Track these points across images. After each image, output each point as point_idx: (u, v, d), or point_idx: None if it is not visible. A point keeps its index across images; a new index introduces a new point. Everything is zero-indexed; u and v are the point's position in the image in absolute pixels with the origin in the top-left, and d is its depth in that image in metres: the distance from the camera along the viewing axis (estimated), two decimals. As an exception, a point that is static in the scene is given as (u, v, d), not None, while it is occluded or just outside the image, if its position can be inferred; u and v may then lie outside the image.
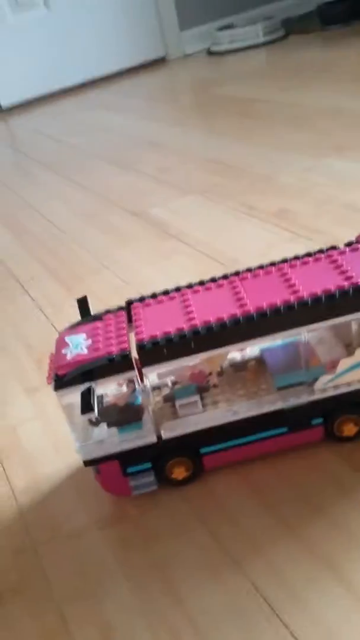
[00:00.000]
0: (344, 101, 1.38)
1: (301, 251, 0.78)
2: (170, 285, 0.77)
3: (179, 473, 0.47)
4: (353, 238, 0.50)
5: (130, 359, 0.43)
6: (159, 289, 0.78)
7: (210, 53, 2.49)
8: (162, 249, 0.91)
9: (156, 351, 0.43)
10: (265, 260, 0.77)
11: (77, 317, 0.76)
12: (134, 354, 0.44)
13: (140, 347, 0.43)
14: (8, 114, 2.31)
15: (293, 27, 2.46)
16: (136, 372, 0.44)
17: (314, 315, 0.43)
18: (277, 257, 0.78)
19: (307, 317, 0.43)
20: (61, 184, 1.35)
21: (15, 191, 1.39)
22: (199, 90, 1.94)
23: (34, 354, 0.73)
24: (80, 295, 0.52)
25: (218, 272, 0.78)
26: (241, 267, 0.77)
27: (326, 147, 1.14)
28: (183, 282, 0.78)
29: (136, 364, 0.44)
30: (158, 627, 0.39)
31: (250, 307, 0.43)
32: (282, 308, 0.43)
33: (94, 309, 0.76)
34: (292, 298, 0.43)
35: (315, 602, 0.38)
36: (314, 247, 0.79)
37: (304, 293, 0.44)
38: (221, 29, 2.47)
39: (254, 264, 0.77)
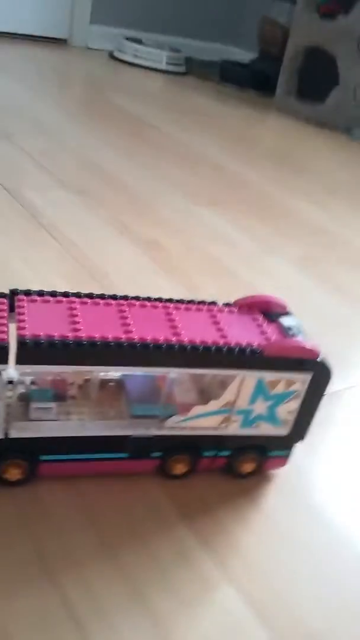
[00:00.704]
0: (224, 160, 1.49)
1: (165, 286, 0.83)
2: (34, 278, 0.76)
3: (13, 474, 0.47)
4: (231, 301, 0.55)
5: (7, 351, 0.42)
6: (17, 272, 0.77)
7: (112, 57, 2.49)
8: (29, 235, 0.89)
9: (36, 351, 0.42)
10: (132, 284, 0.81)
11: None
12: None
13: (22, 343, 0.42)
14: None
15: (194, 69, 2.58)
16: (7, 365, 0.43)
17: (189, 361, 0.46)
18: (144, 284, 0.82)
19: (183, 360, 0.46)
20: None
21: None
22: (94, 89, 1.93)
23: None
24: None
25: (85, 279, 0.79)
26: (110, 283, 0.79)
27: (201, 196, 1.21)
28: (46, 275, 0.77)
29: None
30: None
31: (136, 336, 0.45)
32: (163, 345, 0.45)
33: None
34: (174, 339, 0.46)
35: (119, 623, 0.40)
36: (176, 285, 0.84)
37: (185, 337, 0.47)
38: (129, 39, 2.49)
39: (123, 285, 0.80)
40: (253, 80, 2.44)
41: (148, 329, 0.47)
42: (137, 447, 0.50)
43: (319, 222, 1.22)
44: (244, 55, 2.72)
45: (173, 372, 0.48)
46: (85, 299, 0.49)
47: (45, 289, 0.49)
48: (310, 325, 0.82)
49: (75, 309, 0.47)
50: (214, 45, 2.88)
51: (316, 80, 2.20)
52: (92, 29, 2.54)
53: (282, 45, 2.28)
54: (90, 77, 2.10)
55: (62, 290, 0.59)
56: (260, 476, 0.55)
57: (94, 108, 1.69)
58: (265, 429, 0.53)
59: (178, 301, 0.52)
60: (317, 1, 2.07)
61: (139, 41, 2.49)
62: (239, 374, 0.49)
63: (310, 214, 1.26)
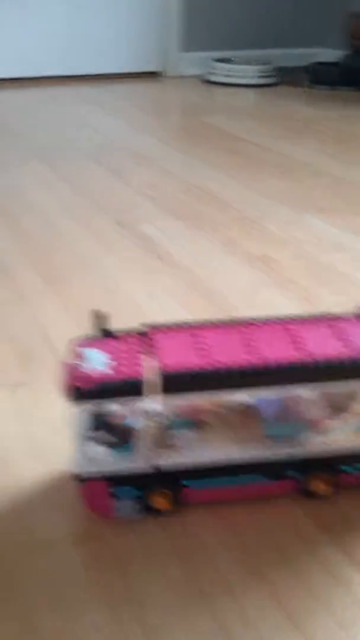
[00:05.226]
0: (326, 163, 1.46)
1: (282, 300, 0.83)
2: (156, 308, 0.79)
3: (162, 503, 0.49)
4: (351, 308, 0.54)
5: (145, 385, 0.44)
6: (141, 304, 0.80)
7: (204, 80, 2.54)
8: (147, 266, 0.92)
9: (179, 382, 0.44)
10: (249, 302, 0.81)
11: (59, 313, 0.76)
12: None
13: (165, 376, 0.44)
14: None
15: (284, 77, 2.56)
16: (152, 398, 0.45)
17: (316, 377, 0.46)
18: (260, 301, 0.82)
19: (311, 377, 0.46)
20: (50, 175, 1.33)
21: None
22: (190, 114, 1.98)
23: (17, 348, 0.72)
24: (66, 293, 0.52)
25: (200, 301, 0.81)
26: (227, 305, 0.81)
27: (307, 204, 1.20)
28: (166, 303, 0.80)
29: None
30: (127, 651, 0.40)
31: (264, 358, 0.46)
32: (293, 364, 0.46)
33: (77, 312, 0.76)
34: (299, 357, 0.46)
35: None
36: (293, 298, 0.84)
37: (309, 354, 0.47)
38: (219, 60, 2.53)
39: (240, 304, 0.81)
40: (344, 78, 2.38)
41: (274, 350, 0.47)
42: (275, 469, 0.50)
43: None
44: (335, 54, 2.65)
45: (302, 390, 0.48)
46: (209, 326, 0.50)
47: (168, 318, 0.51)
48: None
49: (200, 336, 0.49)
50: (303, 51, 2.84)
51: None
52: (183, 57, 2.61)
53: (374, 37, 2.20)
54: (185, 104, 2.16)
55: (184, 318, 0.61)
56: None
57: (192, 133, 1.73)
58: None
59: (298, 317, 0.52)
60: None
61: (228, 60, 2.53)
62: (370, 385, 0.48)
63: None
